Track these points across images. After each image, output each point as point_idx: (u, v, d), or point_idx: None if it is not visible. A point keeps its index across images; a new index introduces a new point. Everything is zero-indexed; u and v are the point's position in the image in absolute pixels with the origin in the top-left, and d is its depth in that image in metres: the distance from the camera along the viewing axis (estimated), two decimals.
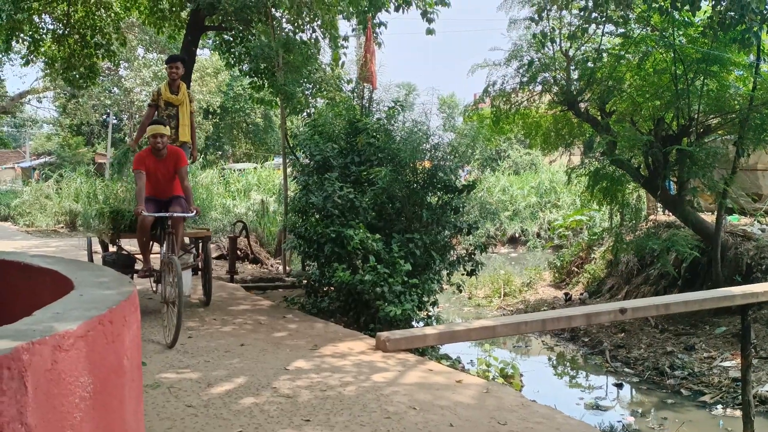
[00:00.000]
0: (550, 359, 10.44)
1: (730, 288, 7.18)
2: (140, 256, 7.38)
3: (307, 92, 11.64)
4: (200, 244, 8.37)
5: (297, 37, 9.93)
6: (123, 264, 7.27)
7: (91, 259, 7.85)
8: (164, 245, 6.66)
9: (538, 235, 21.50)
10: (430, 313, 7.55)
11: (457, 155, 7.88)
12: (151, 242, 7.25)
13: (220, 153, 28.79)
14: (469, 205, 8.35)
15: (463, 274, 7.91)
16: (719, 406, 7.75)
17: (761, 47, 9.67)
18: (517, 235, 22.41)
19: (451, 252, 7.71)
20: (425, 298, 7.29)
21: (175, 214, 6.61)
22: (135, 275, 7.34)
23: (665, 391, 8.52)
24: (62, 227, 21.49)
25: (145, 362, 5.51)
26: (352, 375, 5.20)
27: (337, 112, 8.43)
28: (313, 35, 9.99)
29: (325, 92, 10.18)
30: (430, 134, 7.73)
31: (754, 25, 8.64)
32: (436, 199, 7.71)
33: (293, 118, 12.15)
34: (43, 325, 1.69)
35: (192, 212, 6.70)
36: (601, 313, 6.17)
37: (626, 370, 9.41)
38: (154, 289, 7.19)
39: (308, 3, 9.01)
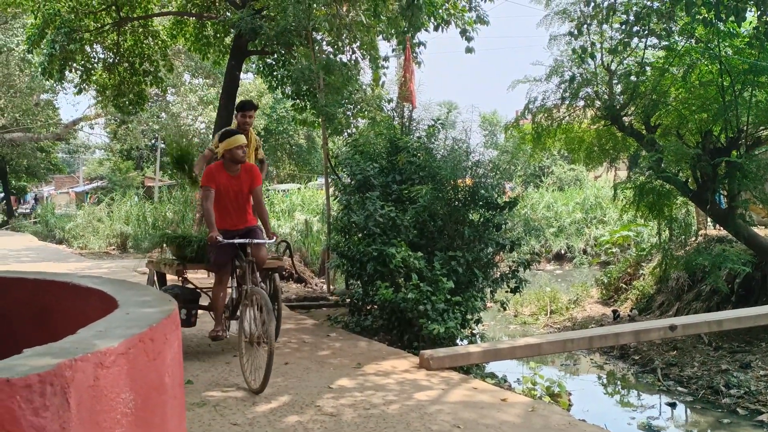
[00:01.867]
0: (599, 378, 10.22)
1: None
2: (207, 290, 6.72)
3: (348, 113, 11.77)
4: (270, 275, 7.04)
5: (337, 59, 10.03)
6: (187, 299, 6.46)
7: None
8: (244, 276, 5.86)
9: (585, 252, 21.16)
10: (474, 331, 7.48)
11: (497, 172, 7.83)
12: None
13: (264, 174, 29.17)
14: (513, 221, 8.30)
15: (506, 292, 7.83)
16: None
17: None
18: (562, 251, 22.10)
19: (494, 269, 7.64)
20: (469, 316, 7.24)
21: (255, 241, 5.85)
22: (193, 312, 6.56)
23: (721, 410, 8.25)
24: (114, 249, 22.03)
25: (192, 380, 5.59)
26: (396, 393, 5.18)
27: (378, 132, 8.49)
28: (353, 56, 10.09)
29: (365, 112, 10.27)
30: (471, 151, 7.71)
31: None
32: (478, 216, 7.66)
33: (335, 138, 12.26)
34: (86, 342, 1.73)
35: (272, 238, 6.09)
36: (650, 330, 6.03)
37: (679, 389, 9.15)
38: (227, 325, 6.32)
39: (348, 25, 9.12)
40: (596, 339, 6.01)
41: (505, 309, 8.09)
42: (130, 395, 1.73)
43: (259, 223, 6.33)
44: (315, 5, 9.42)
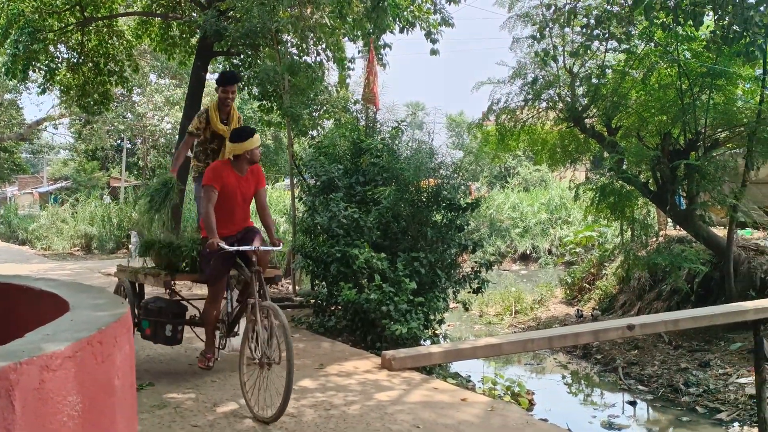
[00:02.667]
0: (563, 377, 10.36)
1: (741, 303, 7.13)
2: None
3: (314, 114, 11.77)
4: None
5: (302, 60, 10.04)
6: (173, 314, 5.73)
7: (133, 312, 5.90)
8: (246, 288, 5.29)
9: (550, 252, 21.41)
10: (437, 331, 7.54)
11: (460, 173, 7.91)
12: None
13: None
14: (478, 222, 8.38)
15: (469, 292, 7.91)
16: (736, 424, 7.65)
17: (767, 60, 9.68)
18: (528, 252, 22.34)
19: (457, 270, 7.71)
20: (431, 316, 7.30)
21: (263, 248, 5.14)
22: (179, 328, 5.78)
23: (680, 408, 8.41)
24: (78, 250, 21.77)
25: (153, 383, 5.56)
26: (357, 394, 5.21)
27: (341, 133, 8.51)
28: (318, 58, 10.11)
29: (331, 113, 10.28)
30: (434, 153, 7.77)
31: (758, 38, 8.66)
32: (441, 217, 7.73)
33: (301, 139, 12.25)
34: (33, 346, 1.74)
35: (279, 245, 5.40)
36: (608, 330, 6.15)
37: (640, 387, 9.31)
38: (221, 344, 5.71)
39: (312, 27, 9.13)
40: (556, 339, 6.11)
41: (467, 309, 8.17)
42: (78, 398, 1.74)
43: (259, 226, 5.72)
44: (279, 7, 9.38)
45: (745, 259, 10.34)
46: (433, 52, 14.39)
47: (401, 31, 14.22)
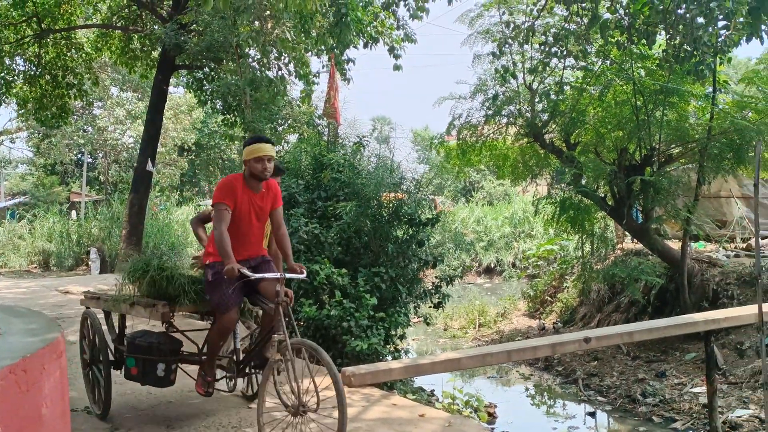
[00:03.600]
0: (526, 389, 10.44)
1: (692, 315, 7.27)
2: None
3: (279, 128, 11.73)
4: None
5: (266, 74, 10.02)
6: (167, 350, 4.95)
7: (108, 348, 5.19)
8: (266, 322, 4.70)
9: (513, 265, 21.62)
10: (398, 347, 7.55)
11: (420, 188, 7.96)
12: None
13: (196, 189, 28.80)
14: (443, 236, 8.40)
15: (430, 307, 7.94)
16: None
17: (716, 78, 9.94)
18: (492, 265, 22.54)
19: (419, 285, 7.74)
20: (392, 332, 7.30)
21: (288, 275, 4.54)
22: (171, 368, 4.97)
23: (637, 418, 8.55)
24: (35, 267, 21.27)
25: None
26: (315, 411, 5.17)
27: (303, 148, 8.50)
28: (279, 73, 10.10)
29: (294, 128, 10.27)
30: (394, 168, 7.81)
31: (707, 58, 8.89)
32: (402, 232, 7.76)
33: None
34: None
35: (303, 272, 4.65)
36: (565, 343, 6.22)
37: (599, 398, 9.44)
38: (229, 386, 5.24)
39: (273, 41, 9.13)
40: (514, 352, 6.16)
41: (428, 324, 8.19)
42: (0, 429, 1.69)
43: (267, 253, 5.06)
44: (240, 21, 9.37)
45: (698, 271, 10.56)
46: (396, 67, 14.49)
47: (365, 46, 14.30)
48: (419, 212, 7.80)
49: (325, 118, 9.53)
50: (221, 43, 10.06)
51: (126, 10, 16.78)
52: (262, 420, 4.44)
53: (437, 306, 7.82)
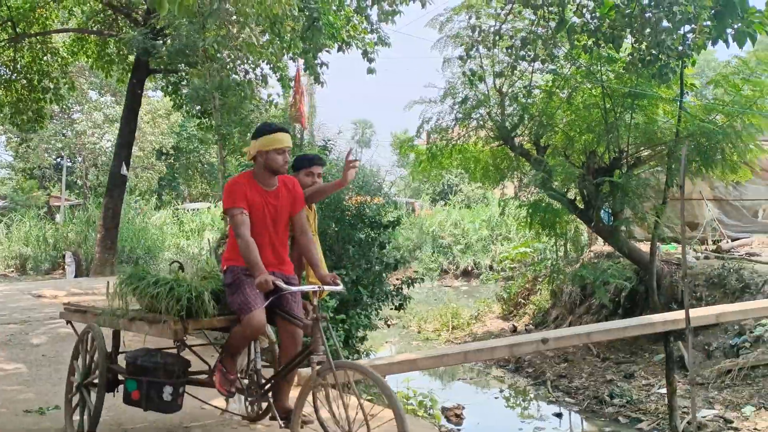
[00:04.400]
0: (501, 391, 10.47)
1: (650, 316, 7.35)
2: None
3: (249, 133, 11.70)
4: None
5: (233, 78, 10.02)
6: (176, 371, 4.44)
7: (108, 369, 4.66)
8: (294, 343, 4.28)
9: (491, 268, 21.72)
10: (359, 349, 7.56)
11: (382, 191, 8.01)
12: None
13: (175, 193, 28.76)
14: (421, 239, 8.40)
15: (391, 309, 7.97)
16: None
17: (684, 81, 10.02)
18: (469, 268, 22.68)
19: (381, 287, 7.77)
20: (354, 334, 7.32)
21: (328, 287, 4.14)
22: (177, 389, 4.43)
23: (604, 419, 8.61)
24: (12, 271, 21.22)
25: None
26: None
27: None
28: (247, 76, 10.10)
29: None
30: (359, 171, 7.83)
31: (671, 61, 8.99)
32: (364, 235, 7.78)
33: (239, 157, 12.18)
34: None
35: (338, 283, 4.21)
36: (523, 344, 6.26)
37: (567, 399, 9.50)
38: (249, 412, 4.67)
39: (240, 46, 9.13)
40: (471, 353, 6.20)
41: (388, 326, 8.22)
42: None
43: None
44: (208, 25, 9.36)
45: (667, 272, 10.66)
46: (370, 71, 14.55)
47: (339, 50, 14.34)
48: (383, 214, 7.83)
49: (286, 123, 9.54)
50: (190, 47, 10.05)
51: (101, 15, 16.76)
52: None
53: (399, 308, 7.85)
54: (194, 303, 4.17)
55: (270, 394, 4.34)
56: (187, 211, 21.51)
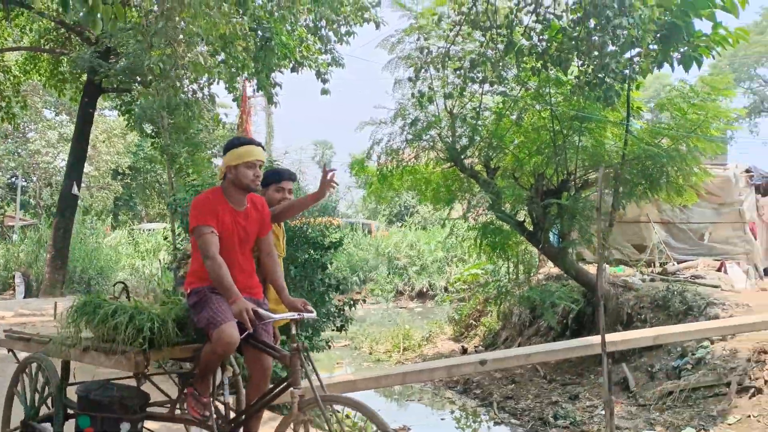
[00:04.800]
0: (452, 412, 10.40)
1: (589, 338, 7.38)
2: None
3: (209, 152, 11.62)
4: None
5: (180, 98, 9.94)
6: (134, 405, 4.08)
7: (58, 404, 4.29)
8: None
9: (446, 289, 21.75)
10: None
11: (338, 212, 7.96)
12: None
13: (132, 213, 28.34)
14: (377, 260, 8.35)
15: (333, 330, 7.89)
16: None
17: (630, 105, 10.20)
18: (424, 289, 22.71)
19: (323, 308, 7.69)
20: None
21: (307, 315, 3.91)
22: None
23: None
24: None
25: None
26: None
27: (213, 173, 8.44)
28: (194, 96, 10.04)
29: (211, 152, 10.21)
30: (299, 190, 7.78)
31: (615, 84, 9.13)
32: (307, 255, 7.71)
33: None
34: None
35: (313, 311, 3.99)
36: (462, 365, 6.23)
37: (513, 421, 9.47)
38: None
39: (186, 65, 9.07)
40: (410, 375, 6.14)
41: (329, 347, 8.13)
42: None
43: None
44: (155, 44, 9.30)
45: (613, 294, 10.74)
46: (324, 92, 14.56)
47: (292, 70, 14.34)
48: (326, 235, 7.78)
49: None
50: (137, 66, 9.98)
51: (54, 33, 16.57)
52: None
53: (340, 329, 7.77)
54: (155, 333, 3.86)
55: (240, 430, 4.00)
56: (143, 231, 21.20)
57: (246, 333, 3.78)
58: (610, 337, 7.06)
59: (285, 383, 3.78)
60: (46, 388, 4.43)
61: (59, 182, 26.87)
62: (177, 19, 9.03)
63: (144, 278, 16.86)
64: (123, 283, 4.90)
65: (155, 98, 9.80)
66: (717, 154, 10.30)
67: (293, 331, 3.77)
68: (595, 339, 7.07)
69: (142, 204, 27.54)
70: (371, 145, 10.91)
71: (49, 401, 4.46)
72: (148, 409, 4.23)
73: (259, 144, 4.02)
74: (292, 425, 3.71)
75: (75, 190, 14.91)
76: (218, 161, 13.31)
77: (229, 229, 3.86)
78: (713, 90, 9.56)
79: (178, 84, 9.37)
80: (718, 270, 11.53)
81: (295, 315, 3.83)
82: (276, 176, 4.67)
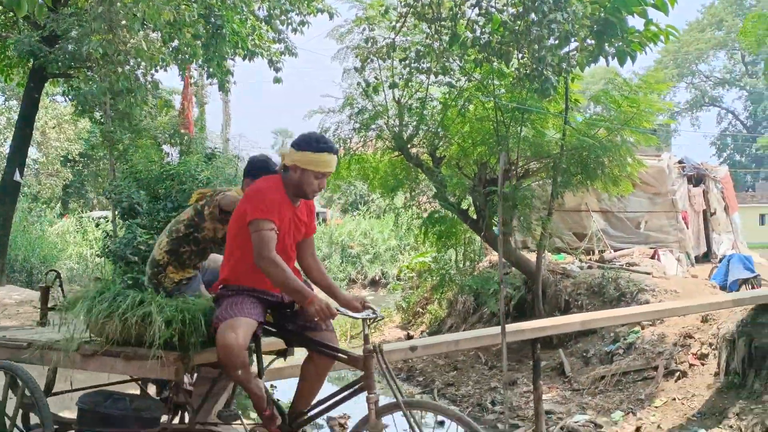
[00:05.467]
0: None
1: (520, 323, 7.60)
2: None
3: (159, 138, 11.55)
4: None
5: (125, 83, 9.88)
6: (149, 418, 3.58)
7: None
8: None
9: (398, 278, 21.96)
10: None
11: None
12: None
13: (83, 201, 27.91)
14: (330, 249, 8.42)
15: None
16: None
17: (569, 97, 10.44)
18: (377, 277, 22.88)
19: None
20: None
21: (373, 315, 3.56)
22: None
23: (484, 426, 8.81)
24: None
25: None
26: None
27: (150, 159, 8.44)
28: (136, 82, 9.98)
29: (152, 137, 10.17)
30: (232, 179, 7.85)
31: (552, 77, 9.36)
32: None
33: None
34: None
35: (375, 309, 3.66)
36: (392, 351, 6.35)
37: (452, 407, 9.69)
38: None
39: (128, 51, 9.02)
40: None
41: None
42: None
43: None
44: (95, 29, 9.22)
45: (552, 281, 11.04)
46: (277, 80, 14.55)
47: (244, 59, 14.30)
48: None
49: (173, 130, 9.49)
50: (78, 52, 9.88)
51: (2, 17, 16.17)
52: None
53: None
54: (188, 331, 3.33)
55: None
56: (93, 219, 20.91)
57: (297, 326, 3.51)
58: (541, 322, 7.31)
59: (356, 387, 3.49)
60: (20, 403, 3.78)
61: (3, 168, 26.33)
62: (118, 4, 8.97)
63: (90, 267, 16.68)
64: (56, 271, 4.74)
65: (98, 84, 9.73)
66: (649, 145, 10.60)
67: (365, 331, 3.41)
68: (526, 324, 7.30)
69: (93, 192, 27.12)
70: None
71: (19, 420, 3.85)
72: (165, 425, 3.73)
73: (336, 152, 3.56)
74: None
75: (17, 176, 14.61)
76: (167, 149, 13.26)
77: (286, 226, 3.51)
78: (646, 84, 9.84)
79: (120, 69, 9.30)
80: (652, 257, 11.91)
81: (369, 314, 3.49)
82: (256, 172, 4.09)
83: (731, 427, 7.54)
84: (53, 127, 23.40)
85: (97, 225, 8.90)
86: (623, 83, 10.28)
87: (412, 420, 3.40)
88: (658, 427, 7.98)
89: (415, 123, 11.13)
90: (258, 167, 4.08)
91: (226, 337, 3.19)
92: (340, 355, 3.54)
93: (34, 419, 3.89)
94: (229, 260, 3.55)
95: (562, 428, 8.35)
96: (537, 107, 10.48)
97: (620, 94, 10.22)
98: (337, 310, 3.30)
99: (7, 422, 3.85)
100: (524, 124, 10.58)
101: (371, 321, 3.46)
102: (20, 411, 3.82)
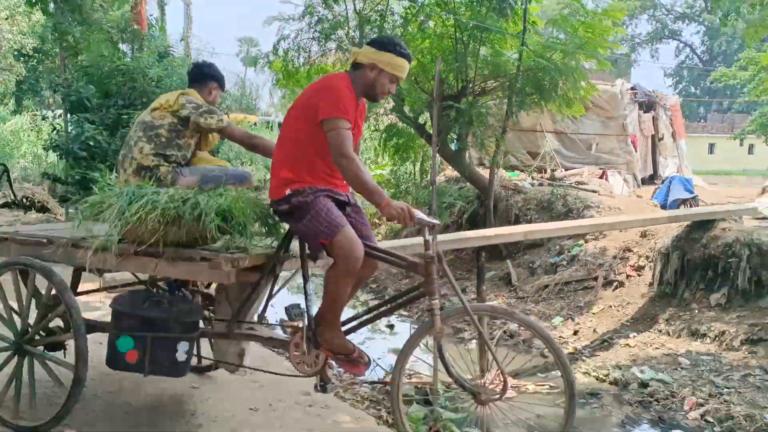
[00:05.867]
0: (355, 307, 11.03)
1: (466, 232, 7.98)
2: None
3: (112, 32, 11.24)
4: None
5: None
6: (193, 322, 3.55)
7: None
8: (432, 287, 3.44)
9: None
10: None
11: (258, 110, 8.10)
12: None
13: (38, 99, 27.09)
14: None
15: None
16: (473, 342, 8.63)
17: (527, 18, 10.53)
18: None
19: None
20: None
21: (436, 221, 3.43)
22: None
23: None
24: None
25: None
26: None
27: (100, 54, 8.37)
28: None
29: (106, 33, 9.99)
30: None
31: None
32: None
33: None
34: None
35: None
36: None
37: (403, 312, 10.13)
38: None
39: None
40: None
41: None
42: None
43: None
44: None
45: (504, 196, 11.44)
46: None
47: None
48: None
49: (125, 24, 9.37)
50: None
51: None
52: (401, 409, 3.42)
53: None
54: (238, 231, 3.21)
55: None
56: (47, 117, 20.39)
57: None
58: (485, 232, 7.66)
59: (416, 293, 3.54)
60: (42, 304, 3.59)
61: None
62: None
63: (43, 167, 16.49)
64: (3, 165, 4.81)
65: None
66: (602, 70, 10.84)
67: (427, 237, 3.33)
68: (472, 233, 7.66)
69: (49, 89, 26.29)
70: (278, 40, 10.92)
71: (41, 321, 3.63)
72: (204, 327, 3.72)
73: (411, 61, 3.57)
74: (431, 339, 3.46)
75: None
76: (124, 48, 12.98)
77: (352, 126, 3.40)
78: (603, 11, 10.00)
79: None
80: (601, 177, 12.38)
81: (436, 220, 3.41)
82: (220, 81, 4.27)
83: (660, 331, 8.20)
84: (6, 18, 22.42)
85: (44, 118, 8.82)
86: (580, 8, 10.39)
87: (479, 325, 3.54)
88: (594, 331, 8.59)
89: (376, 35, 11.13)
90: (209, 74, 4.21)
91: (355, 249, 3.25)
92: (397, 260, 3.55)
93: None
94: (300, 159, 3.42)
95: (504, 332, 8.91)
96: (495, 27, 10.56)
97: (577, 19, 10.35)
98: (421, 219, 3.24)
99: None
100: (483, 43, 10.68)
101: (433, 226, 3.36)
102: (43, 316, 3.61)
